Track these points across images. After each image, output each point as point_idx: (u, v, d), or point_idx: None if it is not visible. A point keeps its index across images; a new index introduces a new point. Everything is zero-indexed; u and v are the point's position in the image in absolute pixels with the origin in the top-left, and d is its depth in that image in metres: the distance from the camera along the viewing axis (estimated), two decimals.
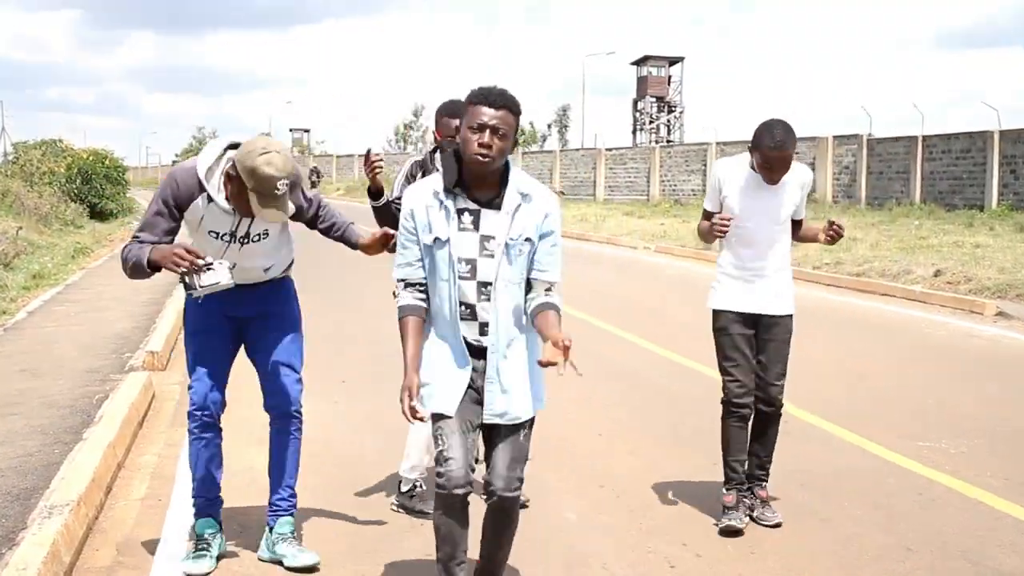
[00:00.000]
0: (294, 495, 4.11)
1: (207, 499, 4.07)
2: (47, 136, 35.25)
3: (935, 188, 25.89)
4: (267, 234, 3.92)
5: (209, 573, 3.88)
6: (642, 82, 54.12)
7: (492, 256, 3.22)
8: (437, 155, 4.55)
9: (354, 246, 4.09)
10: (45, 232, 19.61)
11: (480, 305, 3.24)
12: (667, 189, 37.61)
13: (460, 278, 3.22)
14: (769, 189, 4.36)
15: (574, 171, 43.34)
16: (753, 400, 4.46)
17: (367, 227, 4.12)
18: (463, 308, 3.24)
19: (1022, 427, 6.31)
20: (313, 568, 3.92)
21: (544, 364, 3.06)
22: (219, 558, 4.00)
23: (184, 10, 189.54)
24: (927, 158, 26.29)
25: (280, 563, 3.96)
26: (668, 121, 54.55)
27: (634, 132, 54.93)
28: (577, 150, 46.65)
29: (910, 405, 6.87)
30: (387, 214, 4.42)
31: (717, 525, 4.41)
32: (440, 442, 3.25)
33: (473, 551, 3.64)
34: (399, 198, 4.38)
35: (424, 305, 3.31)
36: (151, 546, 4.18)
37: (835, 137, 29.32)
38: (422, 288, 3.32)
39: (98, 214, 28.22)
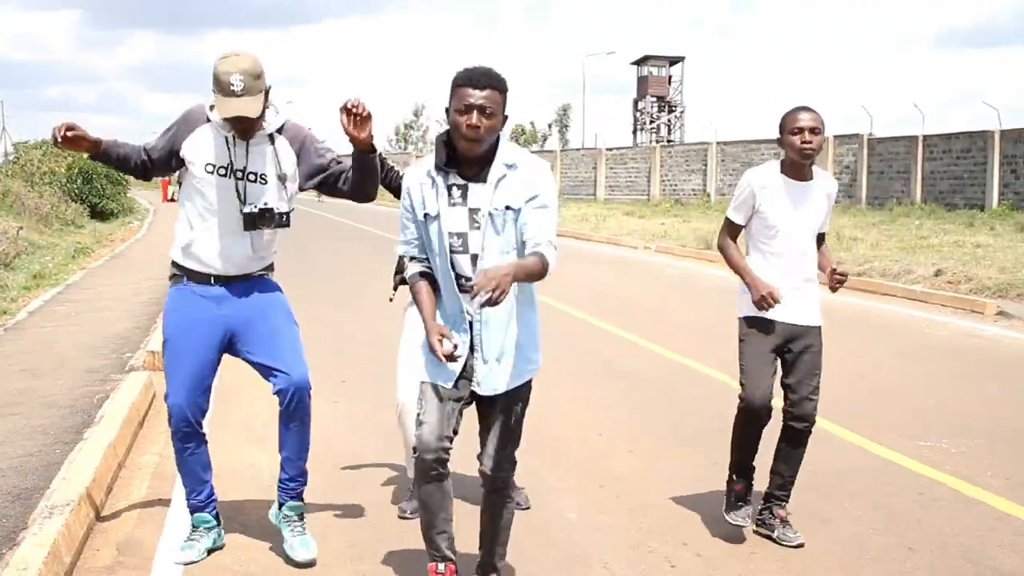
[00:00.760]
0: (303, 474, 4.11)
1: (199, 500, 4.11)
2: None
3: (936, 188, 25.92)
4: (264, 180, 3.93)
5: (196, 561, 3.94)
6: (642, 82, 54.18)
7: (479, 228, 3.27)
8: None
9: (354, 161, 3.90)
10: (46, 232, 19.64)
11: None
12: (668, 189, 37.63)
13: (452, 251, 3.28)
14: (803, 195, 4.28)
15: (575, 171, 43.37)
16: (771, 409, 4.34)
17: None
18: (461, 281, 3.30)
19: (1022, 427, 6.30)
20: (310, 563, 3.95)
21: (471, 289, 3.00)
22: (212, 551, 4.05)
23: (184, 10, 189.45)
24: (927, 158, 26.32)
25: (282, 549, 4.05)
26: (668, 121, 54.62)
27: (634, 132, 55.01)
28: (578, 150, 46.69)
29: (911, 405, 6.87)
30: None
31: (725, 517, 4.36)
32: (420, 406, 3.36)
33: (473, 549, 3.66)
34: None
35: (431, 272, 3.39)
36: (152, 546, 4.18)
37: (836, 137, 29.34)
38: (426, 260, 3.40)
39: (99, 214, 28.29)
